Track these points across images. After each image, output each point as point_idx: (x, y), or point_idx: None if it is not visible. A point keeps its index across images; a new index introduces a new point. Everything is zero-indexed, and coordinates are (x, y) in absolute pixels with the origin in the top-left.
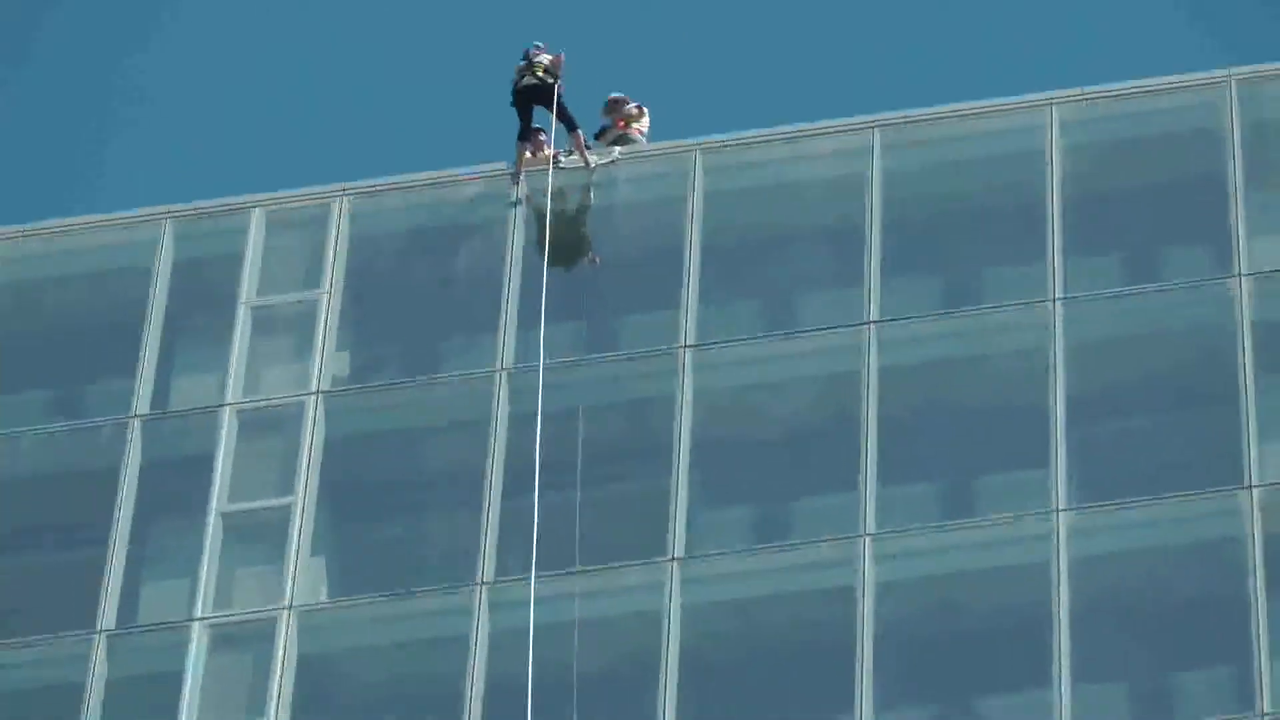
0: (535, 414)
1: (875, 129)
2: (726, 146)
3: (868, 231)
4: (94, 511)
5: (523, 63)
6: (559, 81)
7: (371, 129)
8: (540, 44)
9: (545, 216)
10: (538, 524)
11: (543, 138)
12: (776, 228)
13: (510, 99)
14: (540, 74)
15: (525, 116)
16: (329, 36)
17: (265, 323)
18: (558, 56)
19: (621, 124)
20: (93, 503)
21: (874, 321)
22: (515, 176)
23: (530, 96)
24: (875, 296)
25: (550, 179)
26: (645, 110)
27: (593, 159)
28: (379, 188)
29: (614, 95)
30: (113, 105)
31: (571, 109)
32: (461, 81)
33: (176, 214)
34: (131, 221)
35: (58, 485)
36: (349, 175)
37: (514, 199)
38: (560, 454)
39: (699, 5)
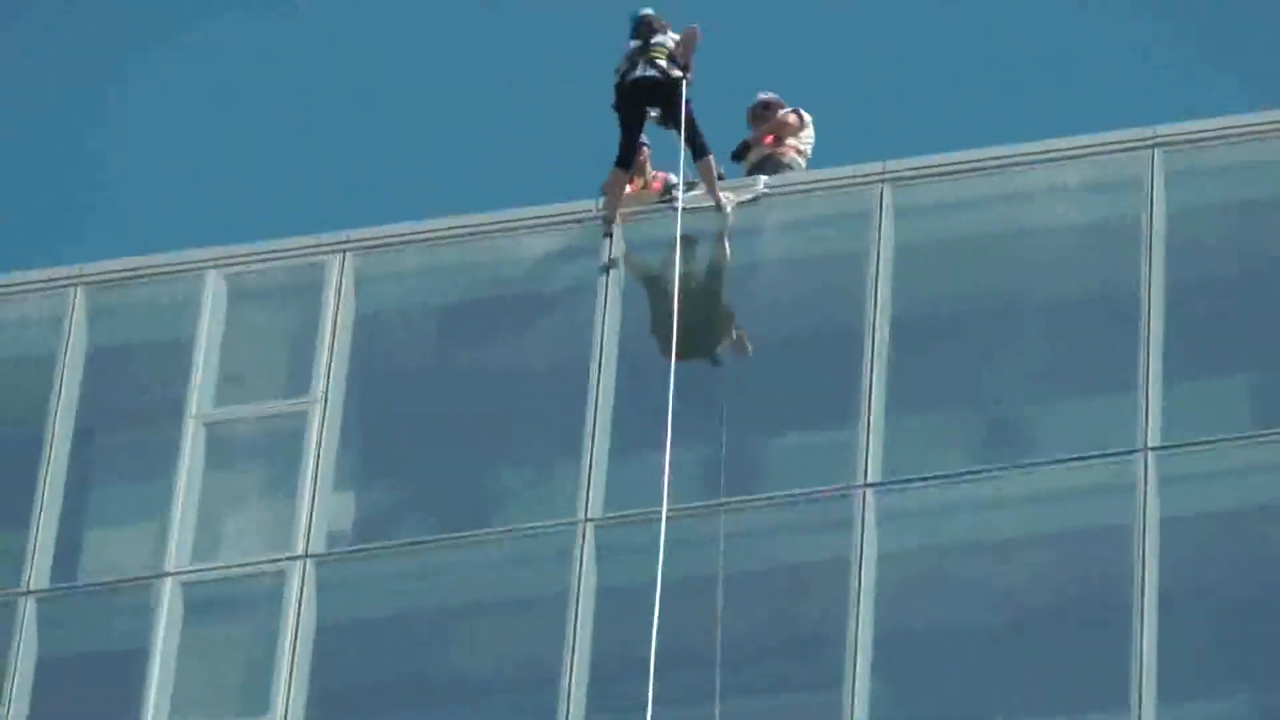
0: (643, 589)
1: (1155, 147)
2: (929, 173)
3: (1144, 303)
4: None
5: (634, 42)
6: (689, 74)
7: (384, 149)
8: (654, 12)
9: (657, 282)
10: None
11: (648, 163)
12: (1004, 296)
13: (613, 98)
14: (663, 62)
15: (632, 127)
16: (324, 25)
17: (226, 447)
18: (688, 32)
19: (770, 139)
20: None
21: (1152, 449)
22: (608, 221)
23: (644, 96)
24: (1155, 410)
25: (669, 224)
26: (807, 119)
27: (728, 197)
28: (396, 238)
29: (763, 96)
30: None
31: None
32: (515, 82)
33: (90, 278)
34: (22, 287)
35: None
36: (350, 220)
37: (606, 257)
38: (681, 649)
39: None
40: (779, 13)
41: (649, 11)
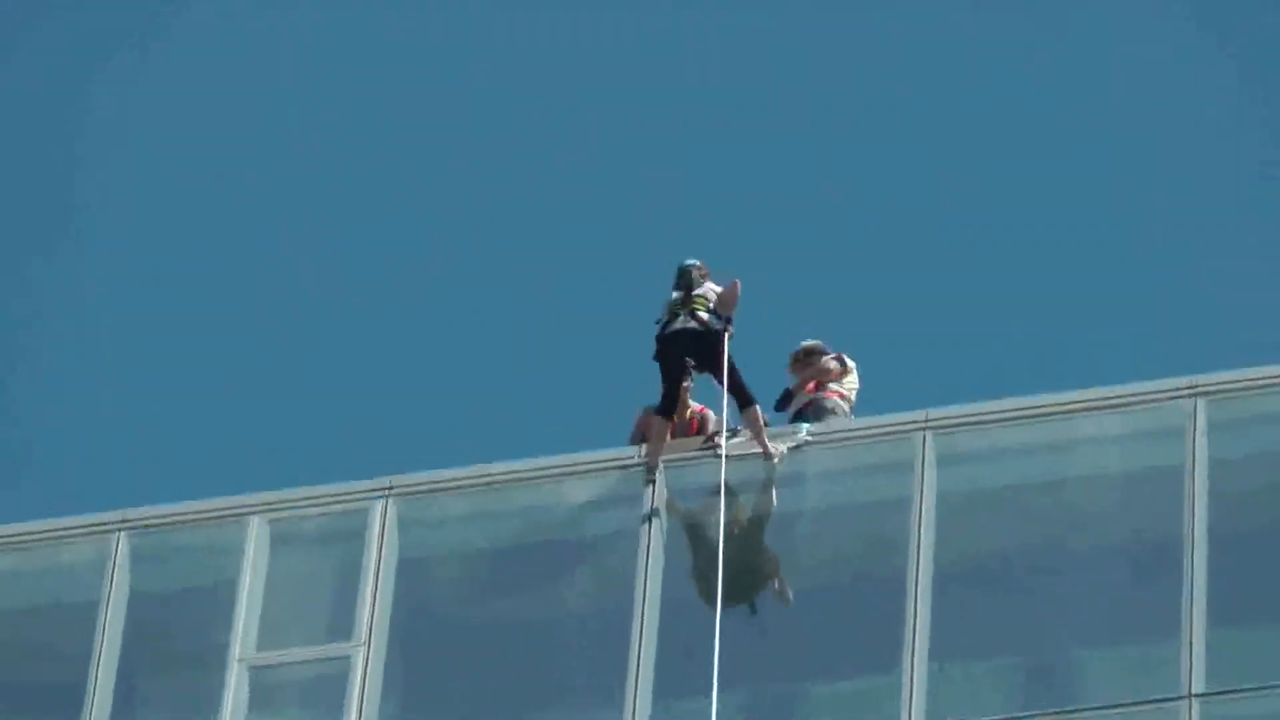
0: None
1: (1196, 396)
2: (971, 421)
3: (1187, 550)
4: None
5: (676, 293)
6: (730, 327)
7: (425, 400)
8: (699, 263)
9: (700, 529)
10: None
11: (688, 395)
12: (1049, 545)
13: (654, 348)
14: (703, 313)
15: (673, 377)
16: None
17: (269, 691)
18: (731, 287)
19: (812, 386)
20: None
21: (1196, 696)
22: (651, 469)
23: (684, 347)
24: (1199, 657)
25: (711, 471)
26: (851, 365)
27: (775, 447)
28: (438, 484)
29: (806, 344)
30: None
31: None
32: (560, 326)
33: (134, 523)
34: (66, 533)
35: None
36: (392, 466)
37: (649, 504)
38: None
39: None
40: (822, 260)
41: (693, 262)
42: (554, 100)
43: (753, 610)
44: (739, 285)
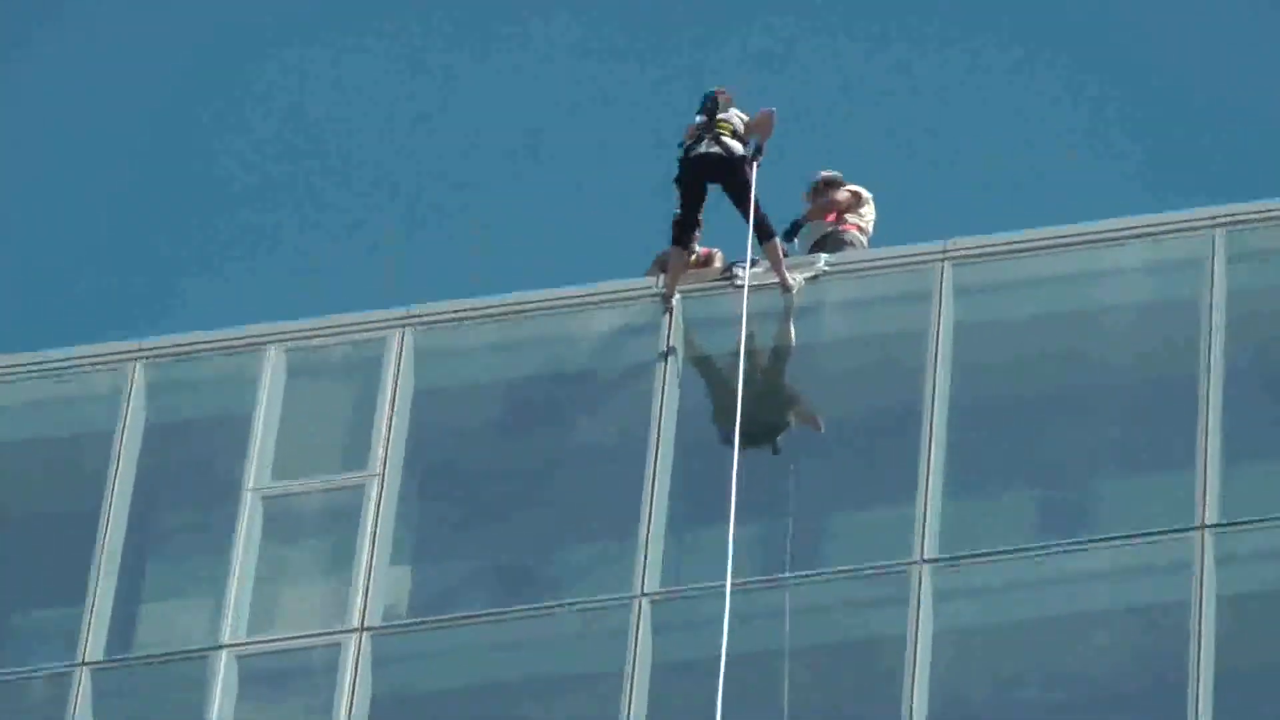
0: (699, 665)
1: (1216, 229)
2: (989, 251)
3: (1202, 383)
4: None
5: (700, 117)
6: (760, 153)
7: (449, 228)
8: (727, 90)
9: (718, 360)
10: None
11: (704, 246)
12: (1066, 376)
13: (676, 171)
14: (726, 138)
15: (692, 201)
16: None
17: (283, 520)
18: (764, 115)
19: (831, 216)
20: None
21: (1211, 526)
22: (667, 299)
23: (706, 172)
24: (1213, 489)
25: (730, 302)
26: (867, 196)
27: (794, 278)
28: (457, 313)
29: (823, 174)
30: None
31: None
32: (578, 153)
33: (149, 352)
34: (81, 363)
35: None
36: (410, 295)
37: (666, 337)
38: None
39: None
40: (840, 89)
41: (719, 87)
42: None
43: (773, 440)
44: (774, 114)
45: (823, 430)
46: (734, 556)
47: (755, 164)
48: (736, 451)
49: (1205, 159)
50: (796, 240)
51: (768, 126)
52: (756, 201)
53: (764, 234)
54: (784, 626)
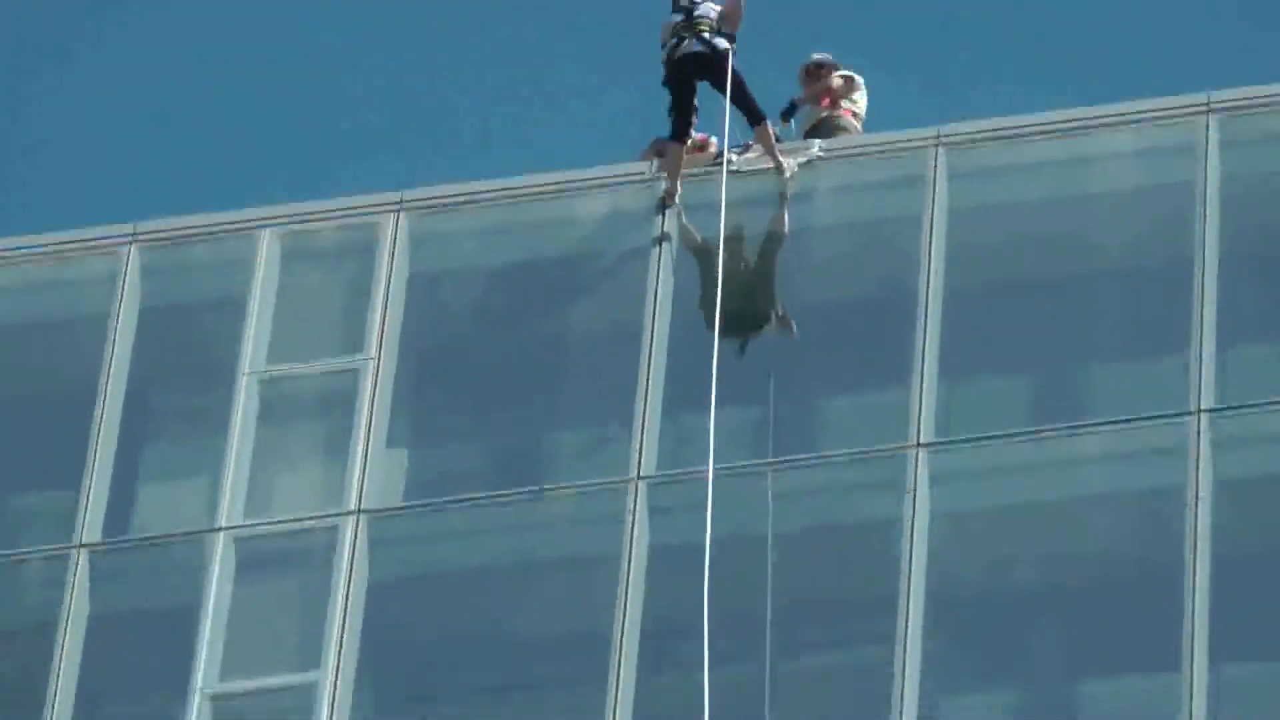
0: (696, 548)
1: (1210, 115)
2: (983, 137)
3: (1196, 268)
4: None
5: (677, 17)
6: (733, 44)
7: (437, 110)
8: None
9: (710, 247)
10: None
11: (699, 133)
12: (1060, 261)
13: (662, 74)
14: (706, 34)
15: (683, 100)
16: None
17: (279, 404)
18: (733, 4)
19: (825, 101)
20: (20, 666)
21: (1207, 411)
22: (669, 194)
23: (692, 69)
24: (1209, 373)
25: (720, 189)
26: (859, 81)
27: (788, 162)
28: (452, 198)
29: (815, 57)
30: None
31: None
32: (572, 34)
33: (145, 236)
34: (74, 247)
35: None
36: (405, 179)
37: (660, 225)
38: (733, 611)
39: None
40: None
41: None
42: None
43: (765, 327)
44: (742, 2)
45: (794, 333)
46: (732, 441)
47: (732, 51)
48: (717, 338)
49: (1199, 44)
50: (793, 122)
51: (737, 17)
52: (742, 86)
53: (754, 118)
54: (768, 511)
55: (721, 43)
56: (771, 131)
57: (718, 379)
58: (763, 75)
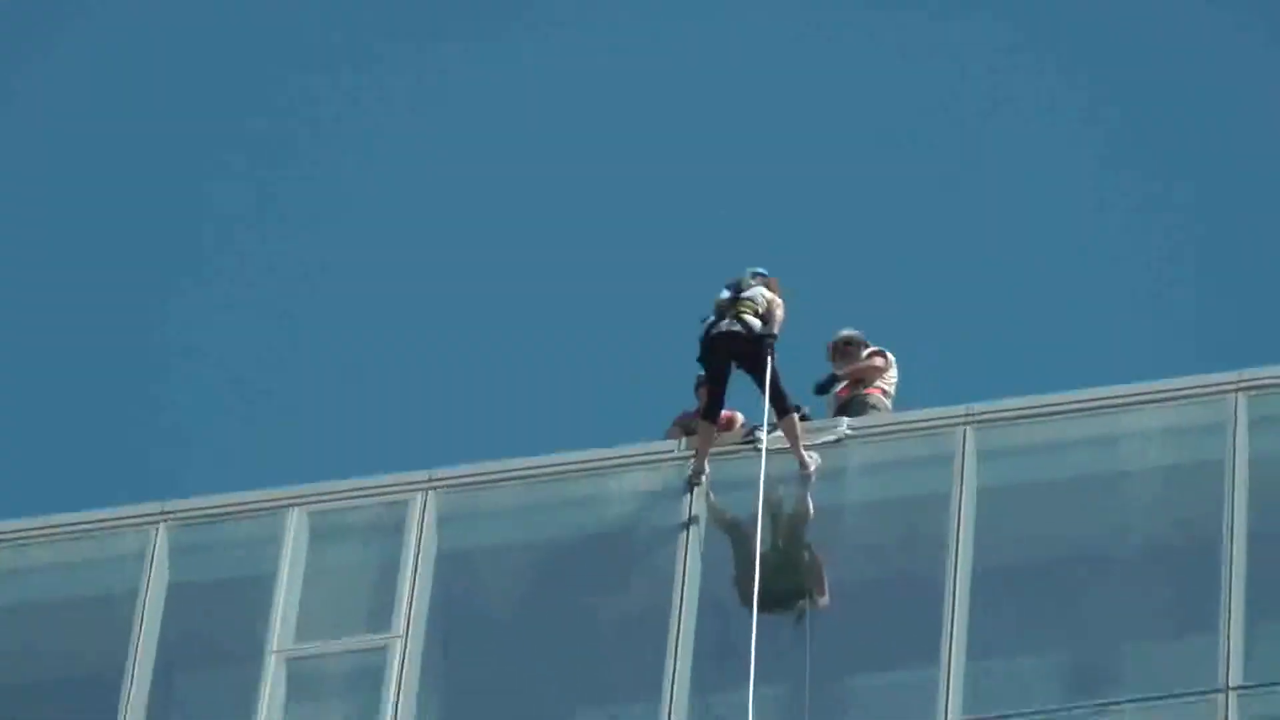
0: None
1: (1239, 392)
2: (1011, 416)
3: (1227, 545)
4: None
5: (725, 294)
6: (775, 332)
7: (468, 392)
8: (762, 271)
9: (740, 524)
10: None
11: (725, 412)
12: (1086, 539)
13: (698, 350)
14: (749, 317)
15: (716, 378)
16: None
17: (307, 683)
18: (771, 285)
19: (853, 382)
20: None
21: (1234, 689)
22: (698, 473)
23: (727, 349)
24: (1237, 650)
25: (752, 465)
26: (892, 359)
27: (811, 456)
28: (478, 477)
29: (844, 333)
30: None
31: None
32: (606, 318)
33: (173, 514)
34: (106, 525)
35: None
36: (432, 459)
37: (689, 504)
38: None
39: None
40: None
41: (759, 271)
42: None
43: (796, 606)
44: (778, 286)
45: (827, 604)
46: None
47: (771, 343)
48: (755, 618)
49: (1225, 323)
50: (828, 396)
51: (773, 319)
52: (775, 378)
53: (781, 410)
54: None
55: (758, 325)
56: (798, 426)
57: (747, 658)
58: (790, 351)
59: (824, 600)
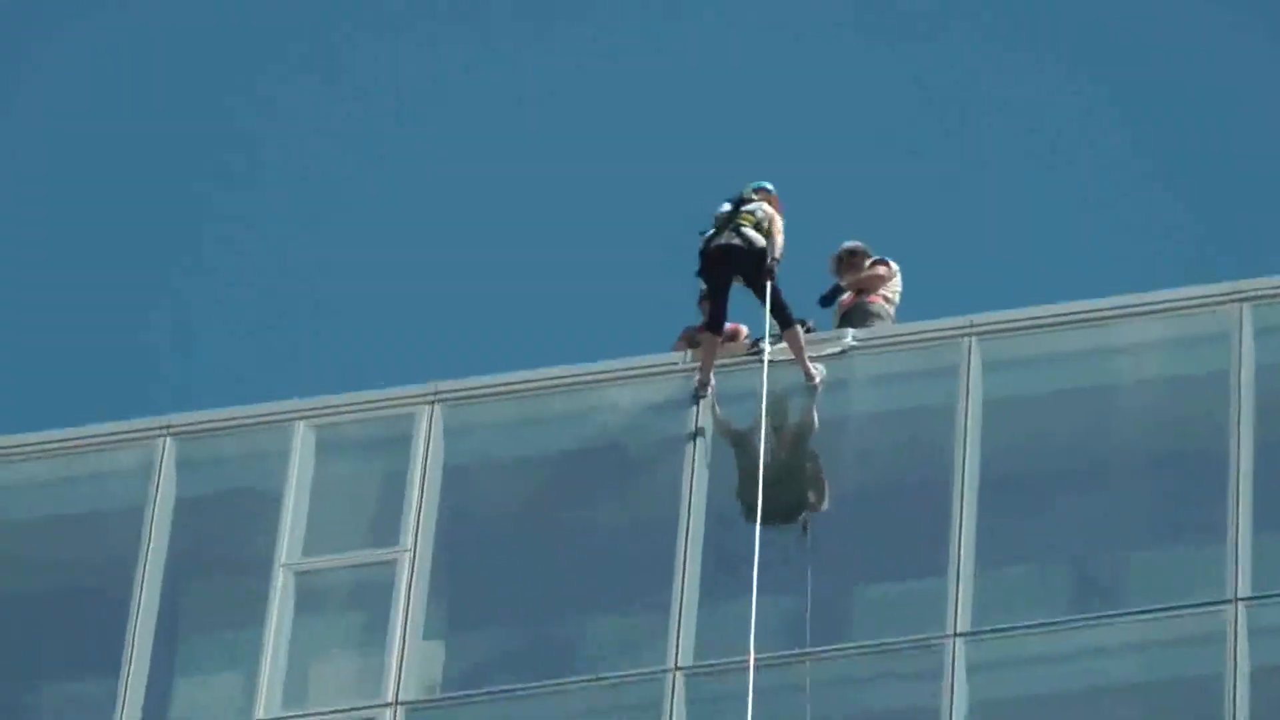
0: None
1: (1243, 302)
2: (1016, 327)
3: (1233, 455)
4: None
5: (725, 207)
6: (778, 250)
7: (475, 303)
8: (766, 186)
9: (746, 435)
10: None
11: (729, 322)
12: (1091, 449)
13: (697, 262)
14: (749, 230)
15: (718, 292)
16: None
17: (314, 596)
18: (773, 201)
19: (856, 291)
20: None
21: (1242, 600)
22: (704, 385)
23: (728, 263)
24: (1245, 560)
25: (757, 377)
26: (895, 268)
27: (816, 368)
28: (488, 389)
29: (847, 245)
30: None
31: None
32: (611, 223)
33: (180, 428)
34: (110, 439)
35: None
36: (440, 370)
37: (695, 415)
38: None
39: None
40: (866, 162)
41: (765, 186)
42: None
43: (801, 515)
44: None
45: (824, 509)
46: (768, 630)
47: (775, 257)
48: (758, 530)
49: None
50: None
51: (773, 223)
52: (776, 290)
53: (784, 322)
54: (806, 701)
55: (758, 239)
56: (801, 337)
57: (751, 567)
58: (794, 263)
59: (827, 508)
